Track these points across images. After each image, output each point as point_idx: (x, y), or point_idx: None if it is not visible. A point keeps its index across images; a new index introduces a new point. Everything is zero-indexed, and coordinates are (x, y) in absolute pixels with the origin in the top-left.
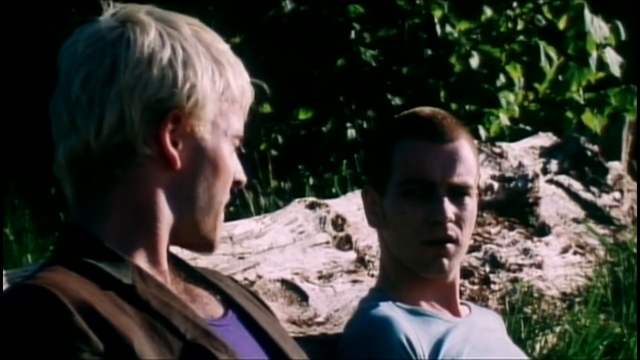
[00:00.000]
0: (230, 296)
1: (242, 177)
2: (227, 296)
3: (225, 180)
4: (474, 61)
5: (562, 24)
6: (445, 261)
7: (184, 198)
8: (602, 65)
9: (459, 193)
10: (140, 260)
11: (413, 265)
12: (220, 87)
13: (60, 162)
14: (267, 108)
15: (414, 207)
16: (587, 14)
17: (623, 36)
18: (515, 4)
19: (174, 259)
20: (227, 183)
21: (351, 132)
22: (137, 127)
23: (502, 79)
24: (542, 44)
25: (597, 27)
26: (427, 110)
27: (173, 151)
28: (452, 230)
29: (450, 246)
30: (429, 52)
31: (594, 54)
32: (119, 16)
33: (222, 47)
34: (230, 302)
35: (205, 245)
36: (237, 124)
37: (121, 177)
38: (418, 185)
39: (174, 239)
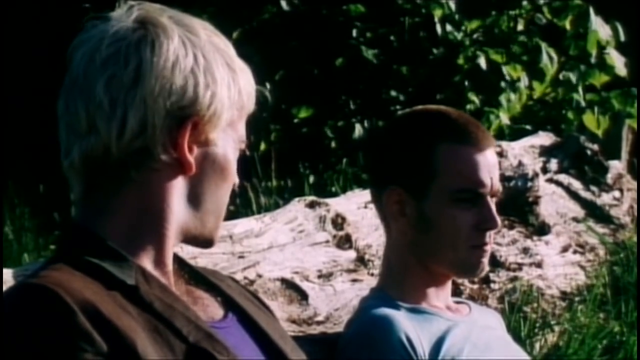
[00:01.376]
0: (231, 297)
1: (236, 179)
2: (227, 297)
3: (231, 184)
4: (482, 62)
5: (567, 25)
6: (485, 262)
7: (194, 202)
8: (604, 65)
9: (493, 197)
10: (146, 260)
11: (454, 268)
12: (235, 95)
13: (74, 162)
14: (267, 107)
15: (464, 212)
16: (592, 14)
17: (622, 37)
18: (524, 3)
19: (176, 259)
20: (229, 187)
21: (358, 130)
22: (158, 133)
23: (503, 78)
24: (543, 45)
25: (599, 28)
26: (454, 112)
27: (190, 158)
28: (492, 234)
29: (489, 248)
30: (434, 51)
31: (594, 53)
32: (137, 16)
33: (233, 53)
34: (231, 304)
35: (206, 242)
36: (242, 129)
37: (135, 179)
38: (470, 192)
39: (186, 240)
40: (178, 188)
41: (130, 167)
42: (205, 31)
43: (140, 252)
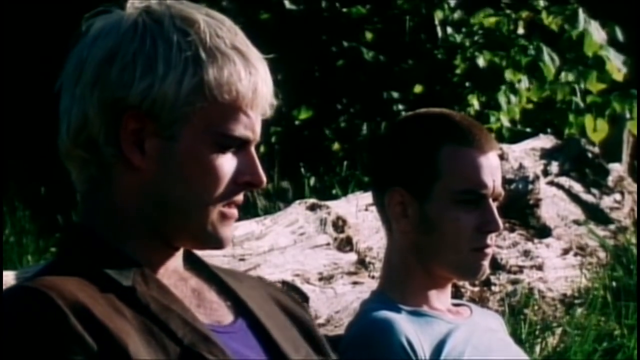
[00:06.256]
0: (244, 302)
1: (252, 178)
2: (240, 302)
3: (208, 181)
4: (480, 62)
5: (565, 27)
6: (486, 264)
7: (159, 200)
8: (602, 69)
9: (495, 200)
10: (140, 260)
11: (455, 270)
12: (190, 86)
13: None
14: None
15: (467, 214)
16: (581, 14)
17: (621, 38)
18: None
19: (191, 258)
20: (212, 184)
21: (359, 132)
22: (97, 126)
23: (503, 81)
24: (545, 49)
25: (594, 31)
26: (457, 114)
27: (132, 152)
28: (494, 237)
29: (490, 251)
30: (438, 54)
31: (591, 55)
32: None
33: (230, 40)
34: (242, 309)
35: (209, 242)
36: (227, 122)
37: (97, 177)
38: (473, 194)
39: (175, 241)
40: (137, 185)
41: (90, 164)
42: (203, 16)
43: (131, 252)
